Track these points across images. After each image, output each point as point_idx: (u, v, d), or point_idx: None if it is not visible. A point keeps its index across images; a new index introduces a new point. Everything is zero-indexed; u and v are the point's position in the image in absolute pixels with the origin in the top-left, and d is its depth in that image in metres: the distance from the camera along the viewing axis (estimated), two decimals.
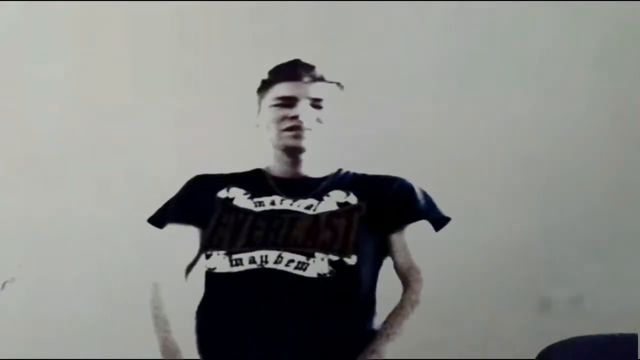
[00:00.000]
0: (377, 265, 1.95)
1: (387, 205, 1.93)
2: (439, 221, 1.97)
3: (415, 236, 1.94)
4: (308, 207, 1.91)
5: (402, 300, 1.84)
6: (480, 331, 2.79)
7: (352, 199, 1.93)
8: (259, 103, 2.05)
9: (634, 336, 1.92)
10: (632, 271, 2.83)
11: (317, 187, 1.96)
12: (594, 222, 2.89)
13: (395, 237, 1.92)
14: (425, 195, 2.00)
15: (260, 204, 1.94)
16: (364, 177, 2.03)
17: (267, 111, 1.99)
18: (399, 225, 1.92)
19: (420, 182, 2.03)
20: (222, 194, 1.98)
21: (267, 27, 2.93)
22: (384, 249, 1.94)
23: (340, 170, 2.04)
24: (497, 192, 2.90)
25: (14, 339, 2.72)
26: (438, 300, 2.60)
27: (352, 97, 2.04)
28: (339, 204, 1.92)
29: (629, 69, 2.94)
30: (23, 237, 2.83)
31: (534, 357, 1.99)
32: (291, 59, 2.02)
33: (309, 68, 1.98)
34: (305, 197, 1.93)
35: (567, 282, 2.87)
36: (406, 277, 1.88)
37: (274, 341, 1.77)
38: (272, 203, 1.94)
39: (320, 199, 1.93)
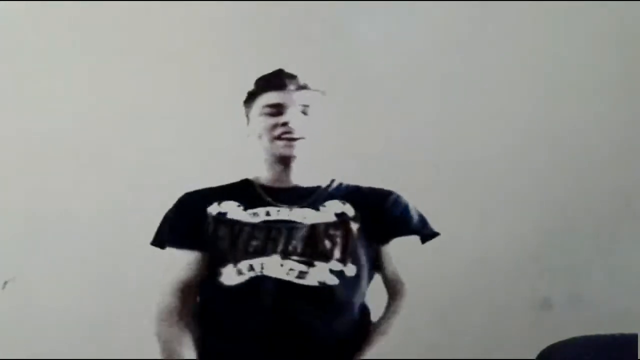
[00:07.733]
0: (370, 277, 1.98)
1: (382, 218, 1.98)
2: (429, 236, 2.03)
3: (414, 239, 1.97)
4: (305, 217, 1.94)
5: (392, 307, 1.90)
6: (480, 331, 2.79)
7: (349, 210, 1.96)
8: (247, 114, 2.09)
9: (634, 336, 1.92)
10: (633, 271, 2.83)
11: (310, 197, 1.99)
12: (594, 222, 2.89)
13: (386, 249, 1.97)
14: (417, 212, 2.05)
15: (255, 215, 1.94)
16: (358, 189, 2.06)
17: (256, 120, 2.02)
18: (391, 238, 1.98)
19: (420, 185, 2.04)
20: (214, 209, 1.97)
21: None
22: (375, 261, 1.97)
23: (333, 180, 2.07)
24: (497, 192, 2.90)
25: (14, 339, 2.73)
26: (438, 301, 2.61)
27: (346, 108, 1.99)
28: (336, 214, 1.95)
29: (628, 69, 2.94)
30: (23, 236, 2.83)
31: (534, 357, 1.99)
32: (276, 66, 2.05)
33: (292, 77, 2.02)
34: (300, 206, 1.95)
35: (567, 282, 2.87)
36: (394, 287, 1.94)
37: (278, 345, 1.79)
38: (268, 214, 1.95)
39: (316, 209, 1.96)
